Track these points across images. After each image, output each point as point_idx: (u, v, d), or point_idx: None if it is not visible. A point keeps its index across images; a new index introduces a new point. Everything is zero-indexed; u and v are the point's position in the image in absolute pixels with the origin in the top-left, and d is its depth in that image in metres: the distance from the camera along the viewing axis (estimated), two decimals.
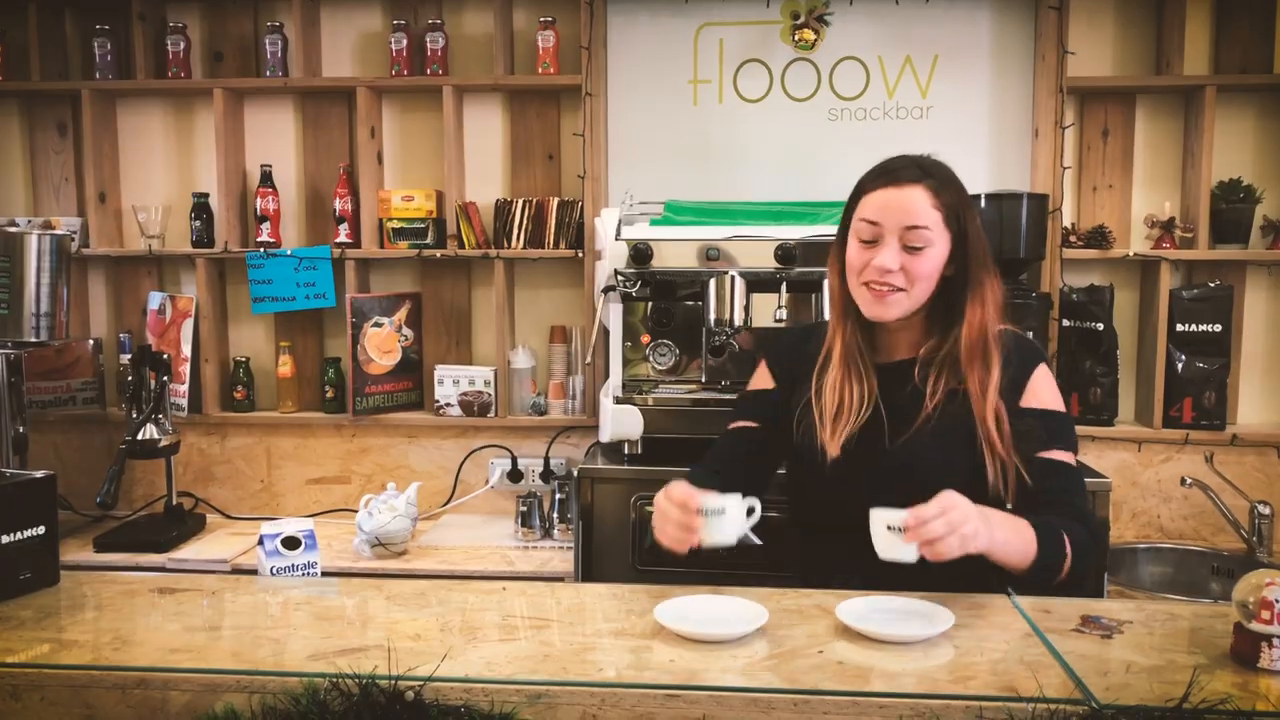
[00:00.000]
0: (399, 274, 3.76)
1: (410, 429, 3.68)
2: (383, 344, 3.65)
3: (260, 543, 1.89)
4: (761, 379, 2.02)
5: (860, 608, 1.43)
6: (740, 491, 1.68)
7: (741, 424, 1.97)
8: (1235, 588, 1.27)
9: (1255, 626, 1.23)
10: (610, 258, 2.84)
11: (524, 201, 3.56)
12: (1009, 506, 1.74)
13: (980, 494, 1.65)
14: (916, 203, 1.74)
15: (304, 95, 3.74)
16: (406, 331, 3.70)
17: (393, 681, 1.17)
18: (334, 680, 1.17)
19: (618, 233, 2.87)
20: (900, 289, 1.75)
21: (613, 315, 2.98)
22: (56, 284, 3.34)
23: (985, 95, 3.50)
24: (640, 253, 2.77)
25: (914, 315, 1.83)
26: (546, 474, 3.55)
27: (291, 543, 1.87)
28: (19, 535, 1.45)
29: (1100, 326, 3.36)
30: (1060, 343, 3.39)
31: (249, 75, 3.70)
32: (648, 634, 1.38)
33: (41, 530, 1.48)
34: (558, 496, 3.37)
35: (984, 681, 1.25)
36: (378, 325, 3.62)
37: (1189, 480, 3.19)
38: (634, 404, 2.85)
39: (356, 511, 3.20)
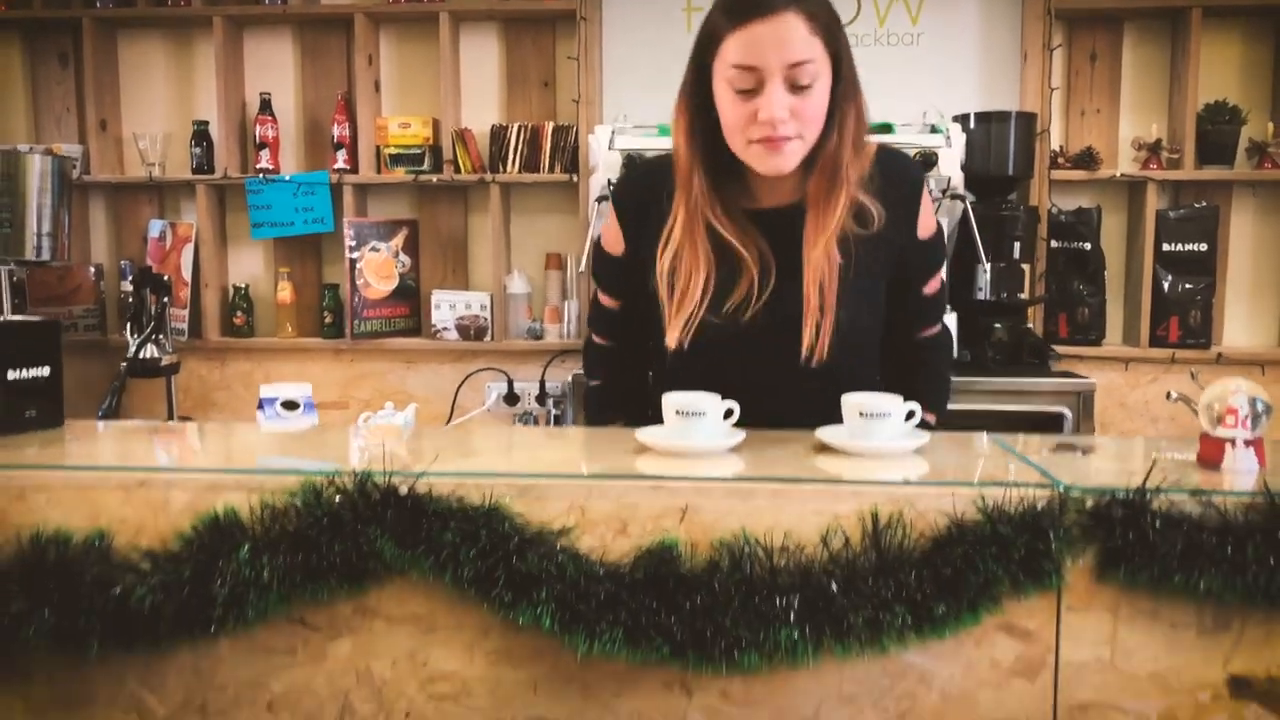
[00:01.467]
0: (396, 201, 3.79)
1: (408, 354, 3.71)
2: (380, 269, 3.67)
3: (260, 407, 1.92)
4: (612, 240, 1.74)
5: (840, 431, 1.44)
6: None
7: (606, 302, 1.80)
8: (1201, 396, 1.30)
9: (1219, 431, 1.26)
10: (604, 168, 2.87)
11: (519, 127, 3.58)
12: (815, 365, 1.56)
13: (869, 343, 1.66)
14: (795, 33, 1.43)
15: (302, 23, 3.76)
16: (404, 258, 3.72)
17: (387, 477, 1.20)
18: (330, 477, 1.21)
19: (610, 143, 2.89)
20: (795, 137, 1.48)
21: None
22: (58, 206, 3.37)
23: (974, 21, 3.52)
24: (633, 161, 2.80)
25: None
26: (542, 396, 3.59)
27: (291, 405, 1.91)
28: (24, 373, 1.49)
29: (1088, 247, 3.39)
30: (1048, 263, 3.42)
31: (248, 4, 3.72)
32: (633, 452, 1.42)
33: (46, 371, 1.51)
34: (553, 414, 3.41)
35: (957, 477, 1.28)
36: (375, 250, 3.65)
37: (1174, 395, 3.22)
38: None
39: None
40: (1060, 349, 3.32)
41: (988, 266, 3.06)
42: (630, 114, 3.20)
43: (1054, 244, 3.43)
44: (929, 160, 2.81)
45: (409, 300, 3.75)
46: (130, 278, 3.61)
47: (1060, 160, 3.44)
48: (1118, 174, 3.40)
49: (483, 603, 1.19)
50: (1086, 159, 3.41)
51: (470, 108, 3.72)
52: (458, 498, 1.20)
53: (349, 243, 3.58)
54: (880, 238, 1.57)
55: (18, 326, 1.54)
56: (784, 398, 1.55)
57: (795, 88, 1.46)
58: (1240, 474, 1.23)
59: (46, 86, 3.82)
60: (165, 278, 3.45)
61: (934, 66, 3.50)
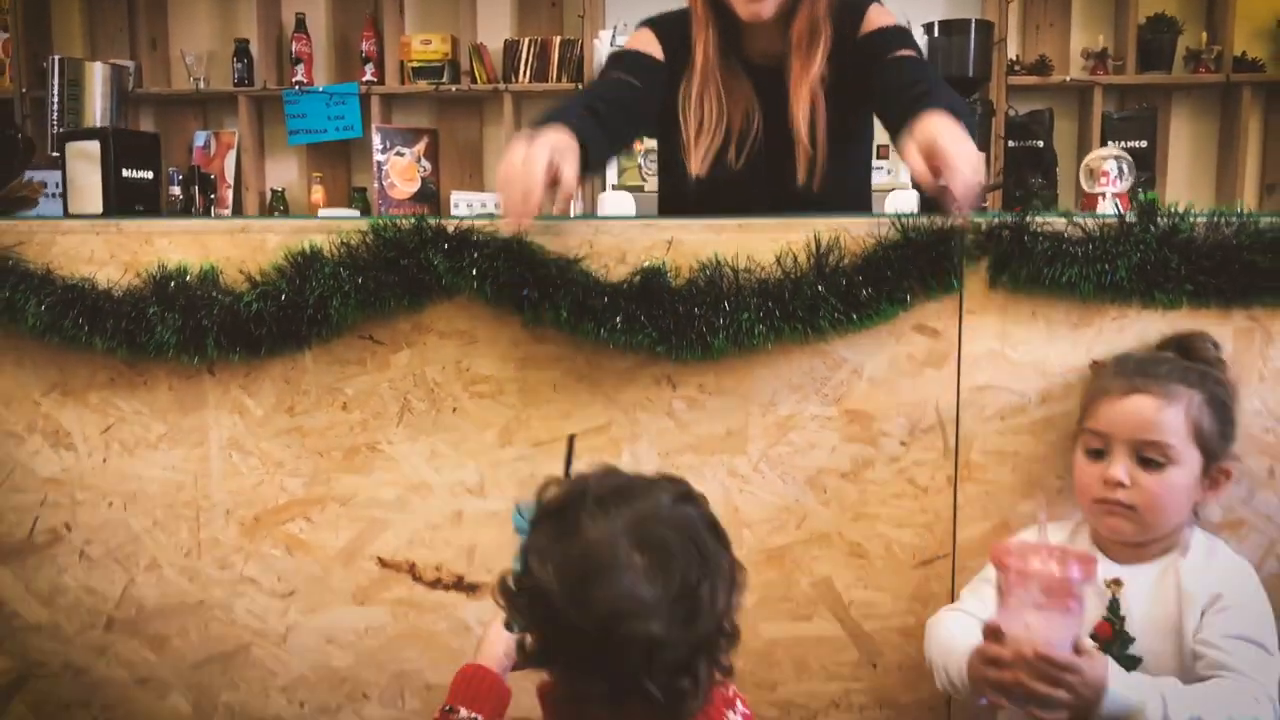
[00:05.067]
0: (418, 112, 4.06)
1: None
2: (404, 172, 3.95)
3: None
4: (647, 42, 1.77)
5: None
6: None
7: (622, 76, 1.70)
8: (1083, 161, 1.57)
9: (1096, 188, 1.54)
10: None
11: (530, 41, 3.85)
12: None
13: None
14: None
15: None
16: (425, 163, 4.00)
17: (438, 220, 1.49)
18: (394, 221, 1.49)
19: (612, 42, 3.16)
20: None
21: None
22: (116, 110, 3.65)
23: None
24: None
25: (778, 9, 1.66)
26: None
27: None
28: (135, 174, 1.77)
29: (1041, 145, 3.67)
30: (1006, 161, 3.70)
31: None
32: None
33: (150, 175, 1.80)
34: None
35: None
36: (400, 154, 3.93)
37: None
38: (627, 190, 3.16)
39: None
40: None
41: None
42: (630, 23, 3.46)
43: (1011, 143, 3.70)
44: None
45: (429, 201, 4.03)
46: (178, 181, 3.89)
47: (1017, 68, 3.71)
48: (1068, 79, 3.67)
49: (512, 309, 1.47)
50: (1040, 66, 3.68)
51: (485, 25, 3.98)
52: (492, 232, 1.49)
53: (376, 146, 3.86)
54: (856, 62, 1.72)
55: (130, 134, 1.84)
56: None
57: None
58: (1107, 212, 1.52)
59: (101, 7, 4.08)
60: (211, 176, 3.74)
61: None
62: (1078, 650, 1.11)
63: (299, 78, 3.93)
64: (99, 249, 1.56)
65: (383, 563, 1.57)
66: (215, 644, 1.61)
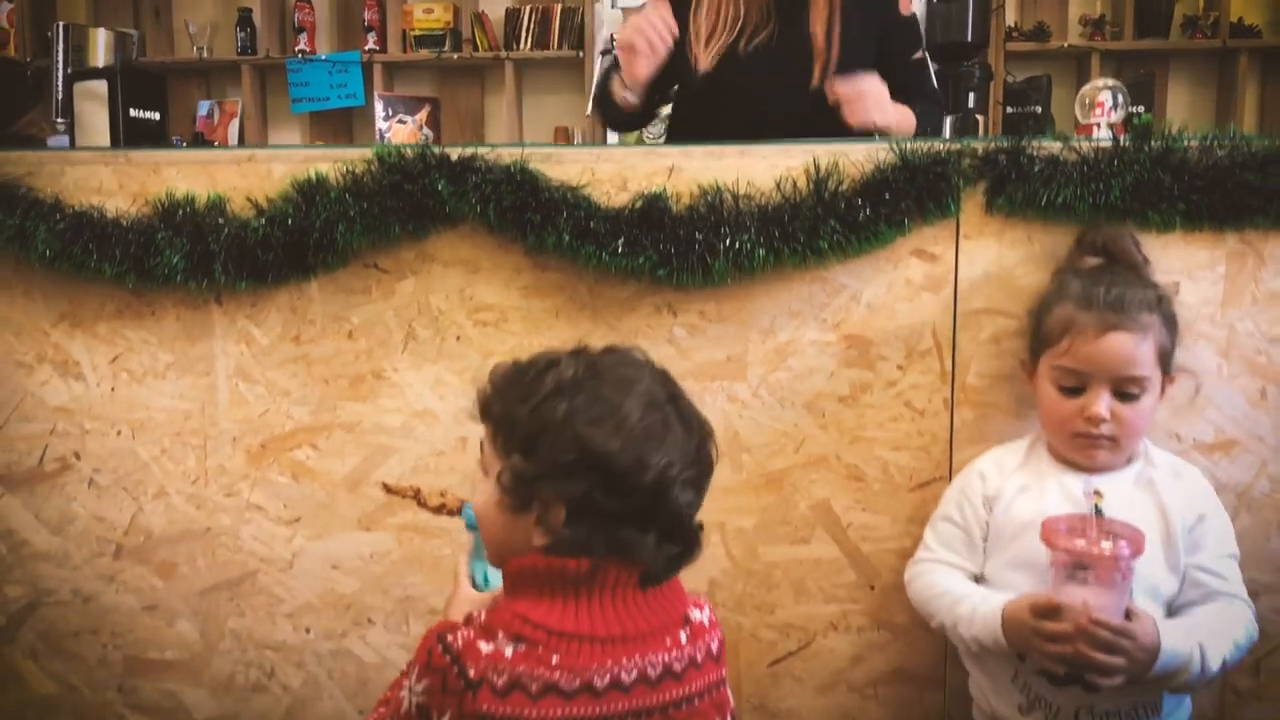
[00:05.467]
0: (420, 80, 4.07)
1: None
2: (406, 139, 3.96)
3: None
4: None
5: None
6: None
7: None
8: (1078, 94, 1.59)
9: (1091, 119, 1.56)
10: (607, 25, 3.15)
11: (531, 8, 3.86)
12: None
13: None
14: None
15: None
16: (427, 131, 4.01)
17: (442, 148, 1.50)
18: (398, 149, 1.51)
19: (613, 3, 3.18)
20: None
21: None
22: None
23: None
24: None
25: None
26: None
27: None
28: (142, 113, 1.78)
29: (1039, 110, 3.67)
30: (1003, 127, 3.71)
31: None
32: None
33: (157, 115, 1.81)
34: None
35: None
36: (402, 122, 3.94)
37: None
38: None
39: None
40: None
41: (948, 118, 3.35)
42: None
43: (1009, 109, 3.71)
44: None
45: None
46: (183, 149, 3.90)
47: (1015, 35, 3.72)
48: (1066, 45, 3.68)
49: (515, 235, 1.49)
50: (1038, 33, 3.69)
51: None
52: (495, 157, 1.50)
53: (379, 114, 3.87)
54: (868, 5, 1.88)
55: (137, 73, 1.85)
56: (797, 125, 1.74)
57: None
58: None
59: None
60: (215, 144, 3.75)
61: None
62: (1129, 617, 1.17)
63: (301, 46, 3.94)
64: (107, 179, 1.57)
65: (388, 489, 1.58)
66: (222, 571, 1.63)
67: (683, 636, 1.01)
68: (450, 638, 0.97)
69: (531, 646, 0.95)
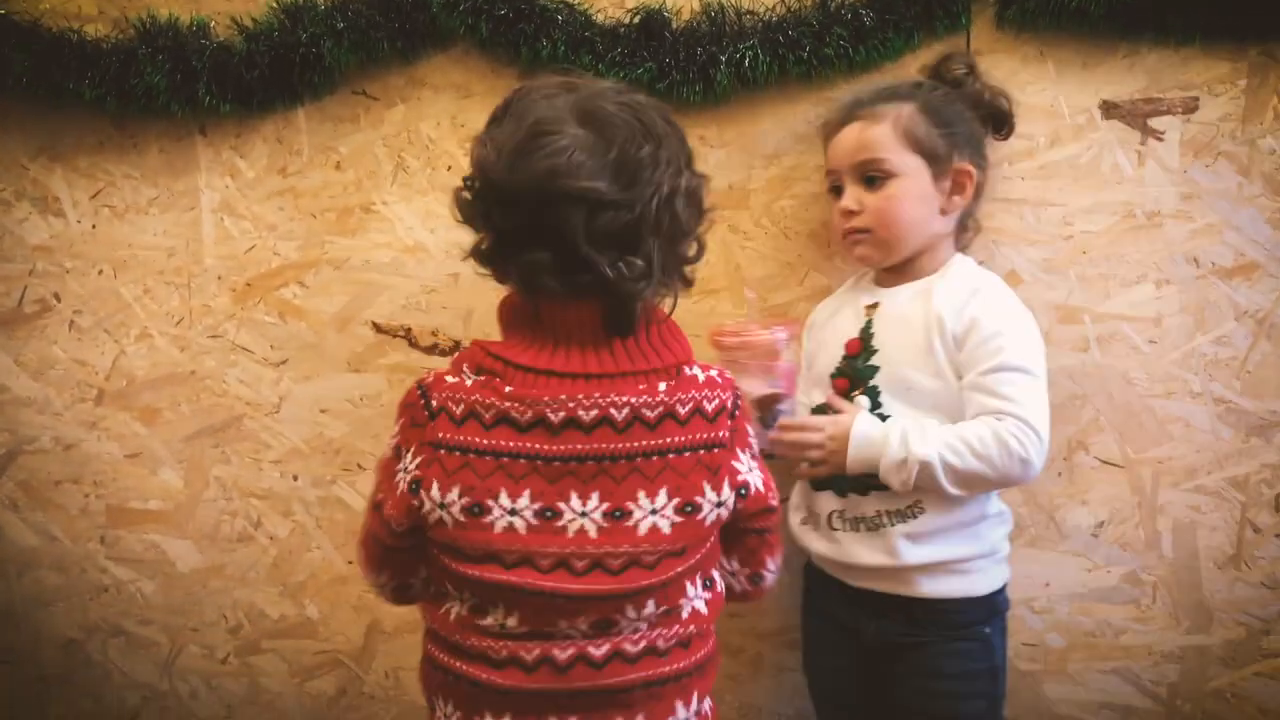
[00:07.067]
0: None
1: None
2: None
3: None
4: None
5: None
6: None
7: None
8: None
9: None
10: None
11: None
12: None
13: None
14: None
15: None
16: None
17: None
18: None
19: None
20: None
21: None
22: None
23: None
24: None
25: None
26: None
27: None
28: None
29: None
30: None
31: None
32: None
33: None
34: None
35: None
36: None
37: None
38: None
39: None
40: None
41: None
42: None
43: None
44: None
45: None
46: None
47: None
48: None
49: (508, 53, 1.42)
50: None
51: None
52: None
53: None
54: None
55: None
56: None
57: None
58: None
59: None
60: None
61: None
62: (828, 410, 1.23)
63: None
64: (86, 3, 1.51)
65: (378, 328, 1.52)
66: (207, 416, 1.57)
67: (662, 386, 0.96)
68: (425, 375, 0.98)
69: (490, 377, 0.94)
